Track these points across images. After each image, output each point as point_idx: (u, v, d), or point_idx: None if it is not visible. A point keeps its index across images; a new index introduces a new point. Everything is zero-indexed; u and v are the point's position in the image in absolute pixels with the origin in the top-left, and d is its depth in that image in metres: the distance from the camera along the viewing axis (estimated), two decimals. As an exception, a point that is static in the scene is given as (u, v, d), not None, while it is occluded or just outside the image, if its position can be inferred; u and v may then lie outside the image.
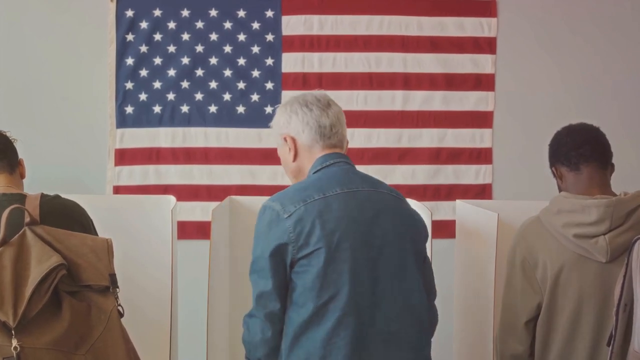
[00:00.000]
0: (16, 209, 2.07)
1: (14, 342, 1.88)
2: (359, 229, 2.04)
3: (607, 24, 3.89)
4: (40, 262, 1.98)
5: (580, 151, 2.39)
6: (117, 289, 2.08)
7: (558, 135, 2.49)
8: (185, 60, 3.78)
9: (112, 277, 2.10)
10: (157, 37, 3.77)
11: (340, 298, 2.00)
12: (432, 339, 2.60)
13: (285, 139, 2.22)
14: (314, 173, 2.14)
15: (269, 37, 3.81)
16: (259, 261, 2.05)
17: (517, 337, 2.41)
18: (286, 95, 3.80)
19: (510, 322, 2.42)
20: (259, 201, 3.11)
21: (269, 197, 2.13)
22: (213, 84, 3.80)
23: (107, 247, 2.12)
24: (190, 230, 3.73)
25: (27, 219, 2.09)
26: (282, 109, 2.27)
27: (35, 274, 1.95)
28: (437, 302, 2.73)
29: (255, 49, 3.81)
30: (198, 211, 3.75)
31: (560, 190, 2.48)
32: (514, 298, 2.41)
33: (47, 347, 1.91)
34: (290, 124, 2.22)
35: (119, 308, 2.07)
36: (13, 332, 1.89)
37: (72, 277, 2.03)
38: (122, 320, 2.07)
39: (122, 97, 3.76)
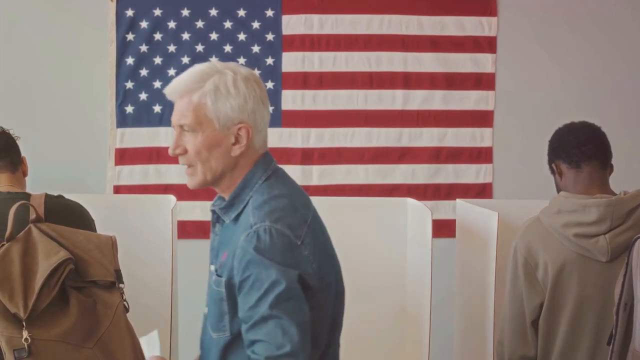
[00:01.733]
0: (21, 206, 2.09)
1: (25, 334, 1.91)
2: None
3: (607, 24, 3.89)
4: (48, 257, 2.01)
5: (583, 149, 2.39)
6: (122, 285, 2.11)
7: (560, 132, 2.48)
8: (186, 60, 3.78)
9: (118, 273, 2.13)
10: (158, 36, 3.77)
11: (339, 331, 1.89)
12: (432, 338, 2.61)
13: (240, 128, 1.79)
14: (265, 179, 1.81)
15: (269, 36, 3.81)
16: (292, 288, 1.66)
17: (526, 340, 2.39)
18: (286, 94, 3.80)
19: (519, 325, 2.40)
20: (259, 201, 3.12)
21: (258, 216, 1.73)
22: (213, 84, 3.79)
23: (112, 244, 2.16)
24: (191, 230, 3.73)
25: (32, 216, 2.11)
26: (248, 87, 1.80)
27: (44, 268, 1.99)
28: (437, 300, 2.74)
29: (256, 49, 3.81)
30: (198, 210, 3.74)
31: (557, 187, 2.48)
32: (519, 301, 2.40)
33: (57, 340, 1.95)
34: (255, 114, 1.81)
35: (125, 303, 2.09)
36: (24, 323, 1.92)
37: (78, 273, 2.06)
38: (124, 317, 2.09)
39: (123, 97, 3.76)
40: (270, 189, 1.79)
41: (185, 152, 1.80)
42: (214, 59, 1.85)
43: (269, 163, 1.86)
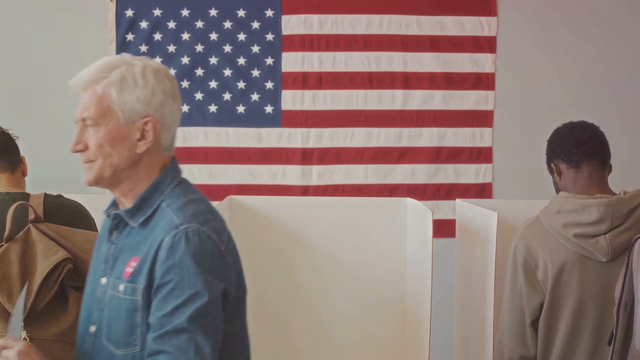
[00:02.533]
0: (20, 206, 2.09)
1: (23, 334, 1.92)
2: None
3: (606, 24, 3.90)
4: (47, 257, 2.01)
5: (582, 149, 2.39)
6: None
7: (559, 132, 2.48)
8: (185, 60, 3.78)
9: None
10: (157, 36, 3.77)
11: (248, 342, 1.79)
12: (433, 338, 2.61)
13: (146, 122, 1.66)
14: (177, 185, 1.71)
15: (269, 36, 3.81)
16: (214, 302, 1.57)
17: (525, 340, 2.39)
18: (286, 94, 3.80)
19: (518, 325, 2.40)
20: (258, 201, 3.13)
21: (183, 217, 1.62)
22: (213, 84, 3.80)
23: None
24: (191, 230, 3.72)
25: (31, 217, 2.11)
26: (157, 80, 1.67)
27: (42, 268, 1.99)
28: (437, 300, 2.73)
29: (255, 49, 3.81)
30: (198, 211, 3.74)
31: (556, 187, 2.48)
32: (519, 300, 2.40)
33: (55, 339, 1.96)
34: (164, 108, 1.68)
35: None
36: (22, 323, 1.92)
37: (77, 272, 2.06)
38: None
39: (122, 97, 3.76)
40: (185, 193, 1.69)
41: (86, 148, 1.66)
42: (126, 54, 1.72)
43: (178, 170, 1.75)
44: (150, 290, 1.59)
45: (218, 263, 1.61)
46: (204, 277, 1.56)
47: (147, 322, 1.58)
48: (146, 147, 1.67)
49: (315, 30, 3.82)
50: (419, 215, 2.87)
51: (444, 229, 3.61)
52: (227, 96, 3.81)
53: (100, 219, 2.38)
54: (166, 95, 1.68)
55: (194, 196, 1.70)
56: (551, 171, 2.50)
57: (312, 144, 3.81)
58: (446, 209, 3.80)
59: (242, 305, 1.72)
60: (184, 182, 1.73)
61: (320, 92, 3.81)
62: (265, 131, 3.79)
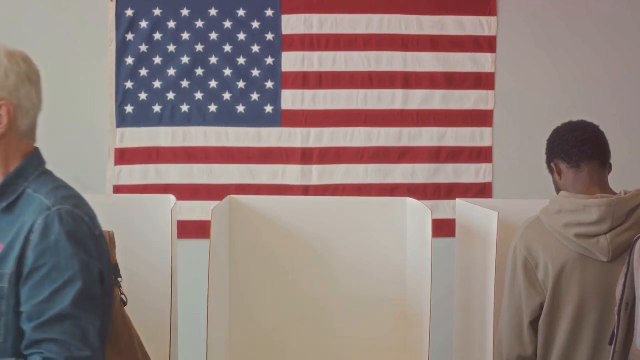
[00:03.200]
0: None
1: None
2: None
3: (606, 24, 3.90)
4: None
5: (582, 149, 2.40)
6: (120, 279, 2.11)
7: (558, 131, 2.48)
8: (185, 60, 3.78)
9: (115, 267, 2.13)
10: (157, 36, 3.77)
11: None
12: (433, 338, 2.61)
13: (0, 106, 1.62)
14: (41, 173, 1.70)
15: (269, 36, 3.81)
16: (94, 285, 1.55)
17: (524, 339, 2.39)
18: (286, 94, 3.80)
19: (516, 325, 2.41)
20: (259, 200, 3.13)
21: (55, 199, 1.61)
22: (213, 84, 3.80)
23: (109, 238, 2.16)
24: (190, 230, 3.73)
25: None
26: (11, 62, 1.71)
27: None
28: (437, 300, 2.73)
29: (255, 48, 3.81)
30: (198, 210, 3.75)
31: (556, 186, 2.48)
32: (517, 300, 2.40)
33: None
34: (19, 91, 1.69)
35: (122, 297, 2.09)
36: None
37: None
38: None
39: (122, 97, 3.76)
40: (52, 180, 1.67)
41: None
42: None
43: (43, 160, 1.72)
44: (19, 277, 1.54)
45: (93, 245, 1.59)
46: (80, 258, 1.54)
47: (15, 312, 1.53)
48: (1, 132, 1.63)
49: (315, 30, 3.82)
50: (419, 215, 2.87)
51: (444, 228, 3.61)
52: (227, 96, 3.81)
53: (100, 219, 2.38)
54: (21, 78, 1.67)
55: (62, 183, 1.68)
56: (551, 171, 2.50)
57: (312, 143, 3.81)
58: (446, 208, 3.81)
59: (112, 298, 1.70)
60: (49, 172, 1.71)
61: (321, 92, 3.81)
62: (265, 131, 3.79)
